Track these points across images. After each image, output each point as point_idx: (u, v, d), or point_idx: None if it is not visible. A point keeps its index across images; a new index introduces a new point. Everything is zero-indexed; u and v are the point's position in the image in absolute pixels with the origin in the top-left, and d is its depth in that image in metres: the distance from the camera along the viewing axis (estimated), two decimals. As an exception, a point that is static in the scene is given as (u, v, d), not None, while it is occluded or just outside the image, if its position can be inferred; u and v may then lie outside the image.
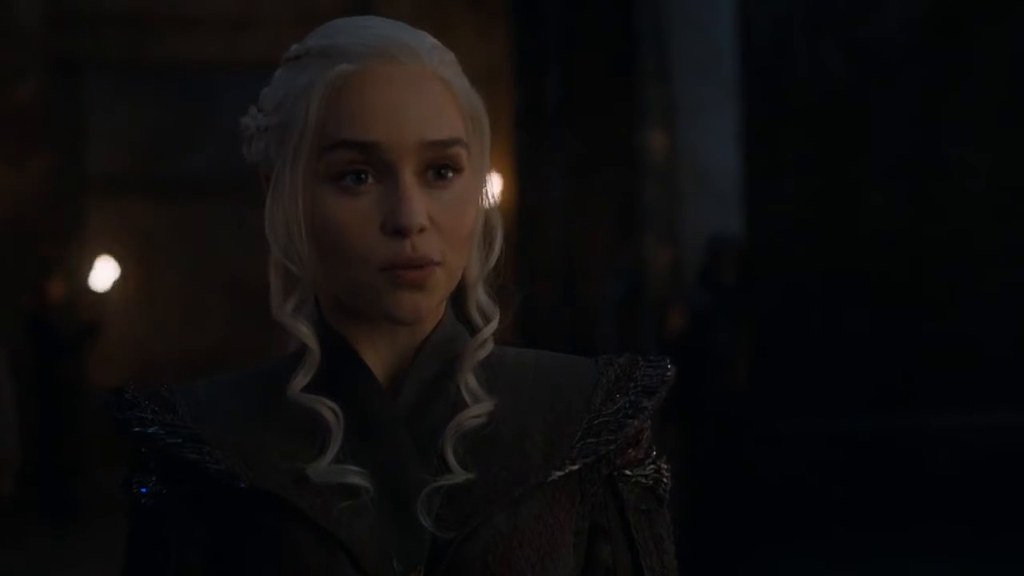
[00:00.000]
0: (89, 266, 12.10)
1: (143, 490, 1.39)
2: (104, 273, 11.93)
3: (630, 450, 1.42)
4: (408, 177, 1.32)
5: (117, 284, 12.13)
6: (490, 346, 1.40)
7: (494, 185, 1.42)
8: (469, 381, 1.38)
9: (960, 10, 9.47)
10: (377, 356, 1.39)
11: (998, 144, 9.45)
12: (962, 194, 9.43)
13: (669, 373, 1.43)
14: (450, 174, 1.34)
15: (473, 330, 1.40)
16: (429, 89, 1.34)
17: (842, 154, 9.44)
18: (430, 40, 1.37)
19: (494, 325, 1.40)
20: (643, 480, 1.43)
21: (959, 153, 9.44)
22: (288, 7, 12.72)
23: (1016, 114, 9.45)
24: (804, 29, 9.45)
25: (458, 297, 1.41)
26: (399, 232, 1.31)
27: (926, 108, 9.44)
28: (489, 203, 1.40)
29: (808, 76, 9.45)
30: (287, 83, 1.37)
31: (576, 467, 1.38)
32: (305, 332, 1.37)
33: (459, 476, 1.34)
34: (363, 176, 1.33)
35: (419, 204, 1.32)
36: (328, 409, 1.35)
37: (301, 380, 1.36)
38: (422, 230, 1.32)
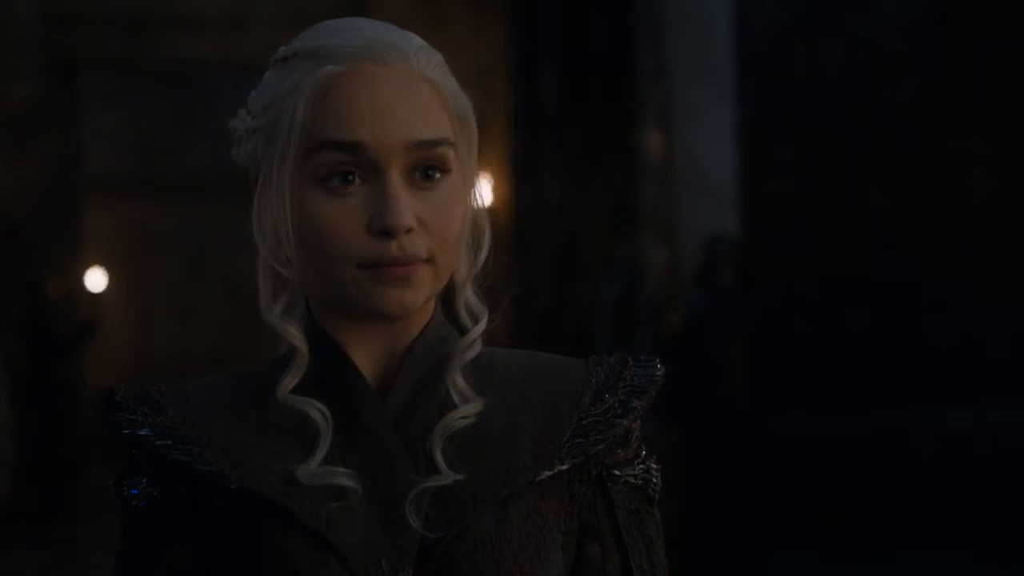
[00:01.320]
0: (86, 266, 12.10)
1: (134, 491, 1.40)
2: (98, 275, 11.94)
3: (619, 450, 1.42)
4: (395, 177, 1.32)
5: (113, 284, 12.13)
6: (478, 347, 1.40)
7: (482, 185, 1.42)
8: (458, 382, 1.38)
9: (957, 10, 9.48)
10: (367, 357, 1.39)
11: (995, 143, 9.45)
12: (960, 194, 9.43)
13: (659, 373, 1.43)
14: (437, 175, 1.34)
15: (462, 331, 1.40)
16: (416, 90, 1.34)
17: (839, 154, 9.45)
18: (417, 41, 1.37)
19: (483, 326, 1.40)
20: (632, 480, 1.43)
21: (957, 153, 9.45)
22: (285, 7, 12.71)
23: (1014, 113, 9.46)
24: (801, 29, 9.45)
25: (448, 298, 1.41)
26: (386, 232, 1.31)
27: (923, 108, 9.45)
28: (477, 204, 1.40)
29: (805, 76, 9.45)
30: (275, 85, 1.37)
31: (565, 467, 1.38)
32: (294, 334, 1.37)
33: (447, 477, 1.34)
34: (350, 177, 1.33)
35: (406, 204, 1.32)
36: (317, 411, 1.35)
37: (290, 382, 1.36)
38: (409, 230, 1.32)
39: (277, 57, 1.39)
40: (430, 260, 1.33)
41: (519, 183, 12.10)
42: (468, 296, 1.40)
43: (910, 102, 9.43)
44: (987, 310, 9.37)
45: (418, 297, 1.34)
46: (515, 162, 12.19)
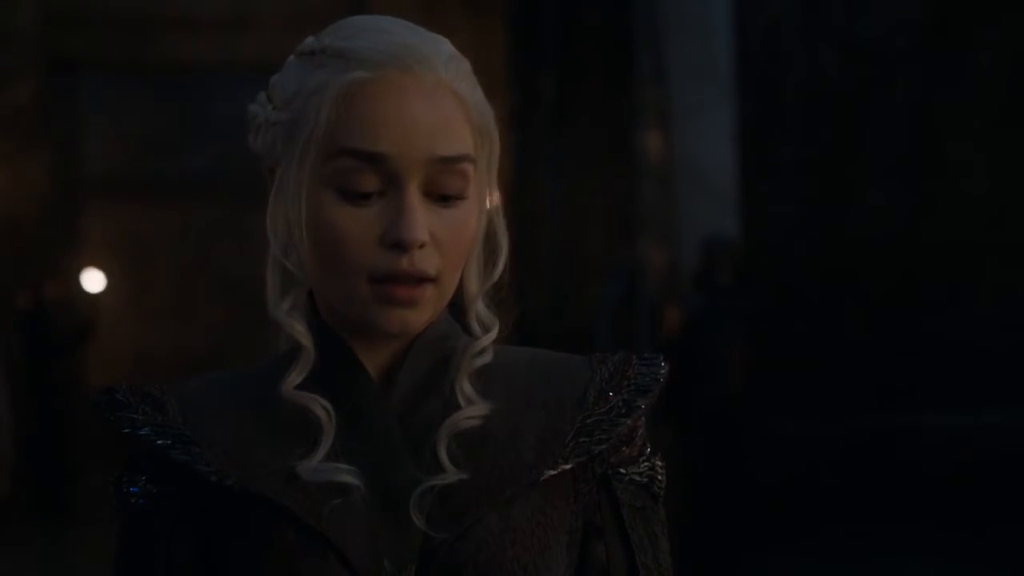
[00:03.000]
0: (85, 266, 12.10)
1: (133, 490, 1.39)
2: (96, 275, 11.94)
3: (624, 448, 1.41)
4: (413, 191, 1.32)
5: (112, 285, 12.13)
6: (488, 355, 1.39)
7: (496, 199, 1.41)
8: (465, 388, 1.37)
9: (956, 10, 9.47)
10: (371, 353, 1.38)
11: (995, 144, 9.45)
12: (959, 194, 9.43)
13: (663, 371, 1.42)
14: (454, 200, 1.34)
15: (473, 338, 1.39)
16: (441, 102, 1.33)
17: (838, 155, 9.44)
18: (447, 49, 1.37)
19: (493, 334, 1.39)
20: (637, 478, 1.42)
21: (956, 153, 9.44)
22: (284, 8, 12.71)
23: (1013, 114, 9.45)
24: (800, 30, 9.45)
25: (458, 306, 1.40)
26: (399, 245, 1.31)
27: (923, 108, 9.44)
28: (496, 218, 1.40)
29: (804, 77, 9.45)
30: (299, 79, 1.36)
31: (569, 466, 1.37)
32: (300, 331, 1.36)
33: (452, 476, 1.33)
34: (367, 194, 1.32)
35: (421, 219, 1.31)
36: (320, 407, 1.34)
37: (295, 378, 1.35)
38: (422, 246, 1.31)
39: (303, 50, 1.38)
40: (436, 280, 1.33)
41: (518, 185, 12.09)
42: (479, 310, 1.39)
43: (910, 102, 9.43)
44: (987, 310, 9.36)
45: (422, 318, 1.34)
46: (514, 164, 12.18)
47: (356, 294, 1.32)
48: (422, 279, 1.32)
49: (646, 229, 9.65)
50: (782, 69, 9.46)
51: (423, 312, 1.34)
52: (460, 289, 1.39)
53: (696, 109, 9.33)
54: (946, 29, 9.45)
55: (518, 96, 12.09)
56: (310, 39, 1.38)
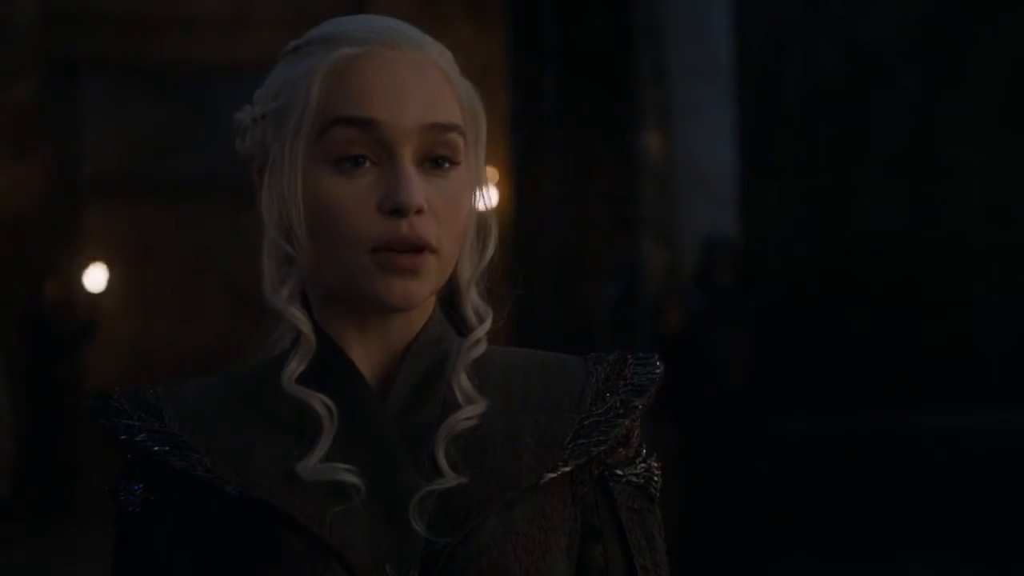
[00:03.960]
0: (85, 266, 12.10)
1: (130, 497, 1.38)
2: (98, 274, 11.93)
3: (620, 449, 1.41)
4: (407, 159, 1.33)
5: (113, 284, 12.13)
6: (483, 346, 1.39)
7: (489, 185, 1.42)
8: (462, 382, 1.36)
9: (956, 11, 9.48)
10: (366, 355, 1.38)
11: (995, 144, 9.45)
12: (959, 195, 9.43)
13: (659, 371, 1.42)
14: (447, 164, 1.35)
15: (468, 330, 1.39)
16: (430, 75, 1.35)
17: (839, 155, 9.45)
18: (429, 37, 1.38)
19: (487, 325, 1.39)
20: (634, 479, 1.42)
21: (956, 153, 9.45)
22: (285, 8, 12.70)
23: (1013, 114, 9.46)
24: (800, 30, 9.45)
25: (452, 298, 1.40)
26: (398, 211, 1.31)
27: (923, 109, 9.45)
28: (484, 203, 1.40)
29: (804, 77, 9.45)
30: (287, 72, 1.37)
31: (568, 468, 1.37)
32: (299, 317, 1.35)
33: (451, 480, 1.32)
34: (361, 160, 1.32)
35: (417, 185, 1.32)
36: (321, 403, 1.33)
37: (295, 367, 1.34)
38: (419, 212, 1.31)
39: (287, 49, 1.39)
40: (436, 250, 1.33)
41: (518, 183, 12.08)
42: (474, 298, 1.39)
43: (910, 102, 9.43)
44: (987, 311, 9.36)
45: (424, 289, 1.34)
46: (514, 162, 12.18)
47: (357, 267, 1.32)
48: (422, 247, 1.32)
49: (647, 228, 9.65)
50: (782, 69, 9.47)
51: (425, 283, 1.33)
52: (454, 282, 1.39)
53: (696, 109, 9.33)
54: (946, 29, 9.45)
55: (519, 95, 12.09)
56: (292, 41, 1.40)
